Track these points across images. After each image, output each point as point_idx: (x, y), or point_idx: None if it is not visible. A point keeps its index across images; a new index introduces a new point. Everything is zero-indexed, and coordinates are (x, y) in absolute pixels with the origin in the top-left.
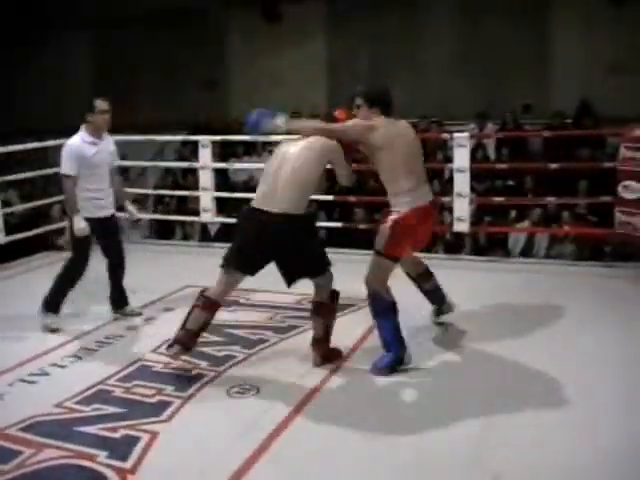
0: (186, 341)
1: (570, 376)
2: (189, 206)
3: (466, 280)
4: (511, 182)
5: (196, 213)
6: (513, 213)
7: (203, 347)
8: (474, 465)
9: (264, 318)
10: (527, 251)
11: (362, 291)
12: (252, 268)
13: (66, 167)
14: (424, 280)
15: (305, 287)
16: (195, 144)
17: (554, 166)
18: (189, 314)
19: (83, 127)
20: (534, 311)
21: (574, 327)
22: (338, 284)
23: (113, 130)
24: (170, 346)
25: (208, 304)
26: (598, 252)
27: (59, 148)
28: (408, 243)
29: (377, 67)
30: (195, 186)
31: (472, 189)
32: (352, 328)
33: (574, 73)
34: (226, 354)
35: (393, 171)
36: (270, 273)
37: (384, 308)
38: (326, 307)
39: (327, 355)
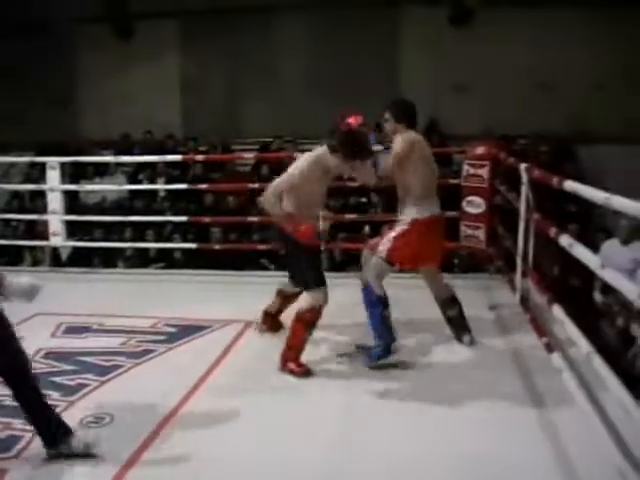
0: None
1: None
2: (38, 230)
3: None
4: (364, 199)
5: (46, 237)
6: (367, 229)
7: (54, 377)
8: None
9: (117, 343)
10: None
11: (218, 313)
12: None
13: None
14: (448, 307)
15: (159, 311)
16: (43, 165)
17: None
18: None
19: None
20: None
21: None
22: (192, 306)
23: None
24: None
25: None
26: (448, 264)
27: None
28: (414, 250)
29: (232, 85)
30: (44, 209)
31: (327, 206)
32: (209, 349)
33: (422, 92)
34: (79, 382)
35: (419, 180)
36: (125, 297)
37: (373, 299)
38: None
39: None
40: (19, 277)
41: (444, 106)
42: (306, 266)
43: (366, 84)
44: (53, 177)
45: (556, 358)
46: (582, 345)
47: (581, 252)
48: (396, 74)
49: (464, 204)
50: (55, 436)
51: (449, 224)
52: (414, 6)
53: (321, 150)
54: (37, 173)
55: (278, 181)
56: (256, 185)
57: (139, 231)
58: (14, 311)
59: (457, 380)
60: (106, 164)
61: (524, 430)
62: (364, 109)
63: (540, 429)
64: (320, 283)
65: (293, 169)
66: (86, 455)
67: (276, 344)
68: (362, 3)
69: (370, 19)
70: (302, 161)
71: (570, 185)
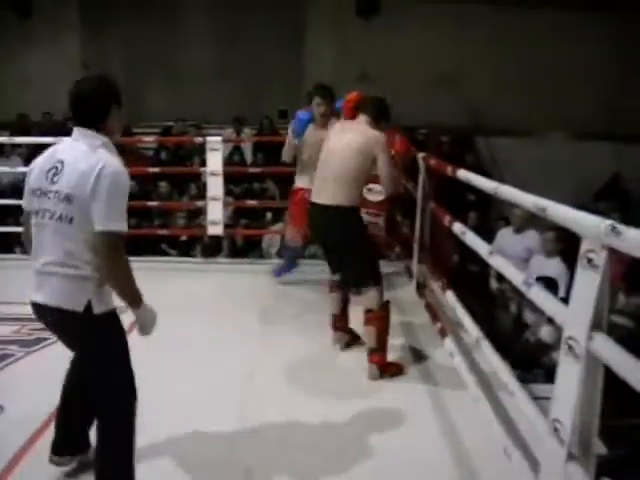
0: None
1: None
2: None
3: (224, 282)
4: (263, 185)
5: None
6: (269, 215)
7: None
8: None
9: (9, 331)
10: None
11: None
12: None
13: (119, 214)
14: None
15: None
16: None
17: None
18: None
19: (99, 131)
20: (276, 306)
21: (311, 321)
22: None
23: None
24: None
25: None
26: None
27: None
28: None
29: (133, 69)
30: None
31: (229, 192)
32: None
33: (326, 81)
34: None
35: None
36: (18, 283)
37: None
38: (374, 315)
39: (385, 367)
40: None
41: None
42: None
43: (271, 72)
44: None
45: (448, 343)
46: (472, 330)
47: (472, 239)
48: (301, 62)
49: (365, 191)
50: None
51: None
52: None
53: (363, 127)
54: None
55: (390, 168)
56: (157, 169)
57: None
58: None
59: (347, 363)
60: (1, 145)
61: (414, 412)
62: (268, 96)
63: (431, 411)
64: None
65: (385, 154)
66: None
67: (165, 332)
68: None
69: (276, 7)
70: (375, 143)
71: (463, 174)
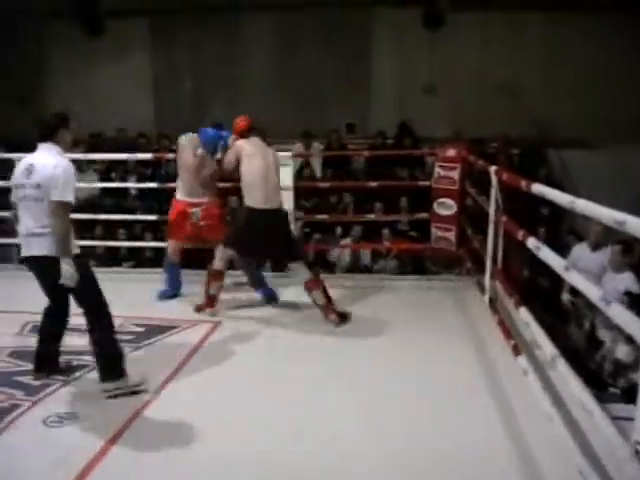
0: (213, 302)
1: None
2: (4, 227)
3: (292, 295)
4: (334, 199)
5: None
6: (339, 230)
7: (19, 376)
8: None
9: (84, 342)
10: (352, 267)
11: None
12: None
13: (68, 192)
14: None
15: (127, 310)
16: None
17: (374, 184)
18: (208, 286)
19: (55, 143)
20: (352, 323)
21: (386, 335)
22: (161, 306)
23: None
24: (199, 310)
25: (217, 274)
26: (419, 266)
27: None
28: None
29: (201, 85)
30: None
31: (300, 207)
32: (176, 350)
33: (392, 93)
34: (43, 382)
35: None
36: None
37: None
38: (312, 281)
39: (340, 314)
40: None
41: (414, 108)
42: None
43: (335, 85)
44: None
45: (522, 360)
46: (547, 348)
47: (547, 254)
48: (367, 76)
49: (435, 206)
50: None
51: (421, 226)
52: (385, 7)
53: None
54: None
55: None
56: (228, 184)
57: (109, 229)
58: None
59: (420, 376)
60: (77, 161)
61: (488, 430)
62: (333, 110)
63: (503, 429)
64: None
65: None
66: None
67: (243, 344)
68: (332, 3)
69: (341, 20)
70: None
71: (538, 188)
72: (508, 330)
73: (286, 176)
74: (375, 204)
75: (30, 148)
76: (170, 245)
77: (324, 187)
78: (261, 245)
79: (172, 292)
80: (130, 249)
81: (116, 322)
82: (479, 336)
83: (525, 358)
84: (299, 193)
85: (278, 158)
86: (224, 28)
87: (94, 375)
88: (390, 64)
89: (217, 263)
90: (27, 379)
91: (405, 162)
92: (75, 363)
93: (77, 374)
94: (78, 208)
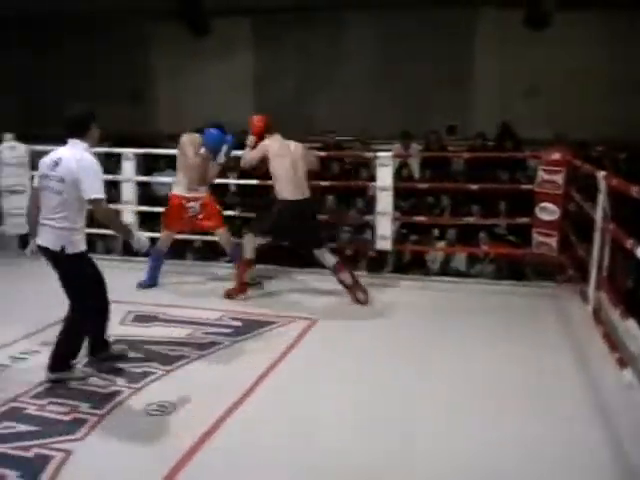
0: (245, 288)
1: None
2: None
3: (388, 297)
4: (431, 200)
5: None
6: (435, 232)
7: (120, 364)
8: None
9: (184, 334)
10: (445, 270)
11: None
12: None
13: (99, 188)
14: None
15: (226, 304)
16: (118, 156)
17: (474, 187)
18: (242, 274)
19: (82, 140)
20: (449, 327)
21: (484, 342)
22: (258, 301)
23: (32, 139)
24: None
25: (249, 262)
26: (517, 271)
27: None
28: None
29: (301, 83)
30: (118, 199)
31: (397, 207)
32: (272, 346)
33: (494, 94)
34: (144, 371)
35: None
36: (192, 288)
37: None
38: (340, 263)
39: (365, 290)
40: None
41: (516, 109)
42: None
43: (435, 86)
44: (128, 168)
45: (628, 373)
46: None
47: None
48: (468, 76)
49: (537, 210)
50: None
51: (521, 230)
52: (488, 7)
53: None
54: (113, 164)
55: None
56: (326, 183)
57: None
58: None
59: (518, 388)
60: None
61: (589, 445)
62: (432, 111)
63: (606, 445)
64: None
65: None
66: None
67: (340, 344)
68: (436, 3)
69: (444, 20)
70: None
71: None
72: (614, 342)
73: (386, 176)
74: (472, 207)
75: (138, 143)
76: (163, 235)
77: (423, 188)
78: (294, 232)
79: (151, 282)
80: None
81: (214, 315)
82: (581, 347)
83: (631, 371)
84: (397, 193)
85: (301, 147)
86: (327, 28)
87: (195, 366)
88: (493, 65)
89: (248, 253)
90: (128, 367)
91: (506, 164)
92: (175, 354)
93: (178, 363)
94: (157, 203)
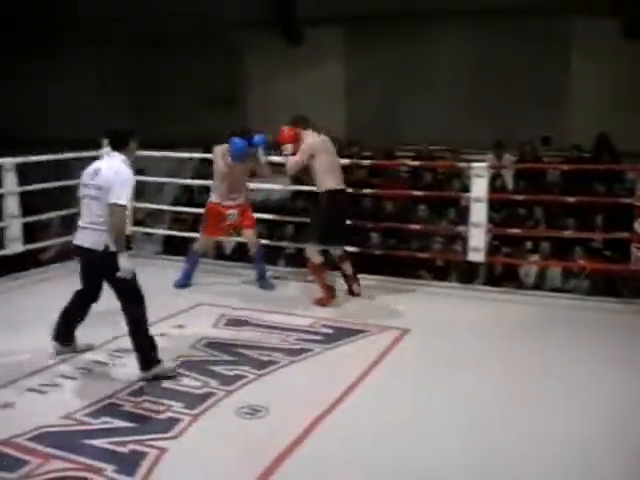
0: (333, 293)
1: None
2: None
3: (477, 310)
4: (524, 212)
5: None
6: (528, 244)
7: (213, 366)
8: None
9: (275, 339)
10: (539, 284)
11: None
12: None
13: (124, 195)
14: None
15: (317, 311)
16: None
17: (571, 199)
18: (322, 281)
19: (122, 153)
20: (545, 342)
21: (577, 359)
22: (349, 309)
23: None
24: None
25: (320, 267)
26: (612, 287)
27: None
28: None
29: (393, 91)
30: None
31: (489, 219)
32: (364, 354)
33: (592, 106)
34: (236, 374)
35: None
36: (284, 294)
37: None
38: (345, 255)
39: (359, 284)
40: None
41: (615, 121)
42: None
43: (530, 95)
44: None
45: None
46: None
47: None
48: (565, 87)
49: (637, 225)
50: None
51: (618, 245)
52: (588, 17)
53: None
54: (205, 169)
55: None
56: (419, 193)
57: (300, 231)
58: (179, 300)
59: (612, 416)
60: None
61: None
62: (526, 121)
63: None
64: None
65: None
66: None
67: (432, 354)
68: (531, 11)
69: (539, 29)
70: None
71: None
72: None
73: (481, 187)
74: (568, 220)
75: None
76: (201, 239)
77: (518, 199)
78: (340, 223)
79: (186, 281)
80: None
81: (306, 322)
82: None
83: None
84: (490, 205)
85: (330, 140)
86: (418, 36)
87: (286, 372)
88: (589, 75)
89: (316, 259)
90: (221, 369)
91: (603, 177)
92: (267, 359)
93: (270, 368)
94: (271, 209)
